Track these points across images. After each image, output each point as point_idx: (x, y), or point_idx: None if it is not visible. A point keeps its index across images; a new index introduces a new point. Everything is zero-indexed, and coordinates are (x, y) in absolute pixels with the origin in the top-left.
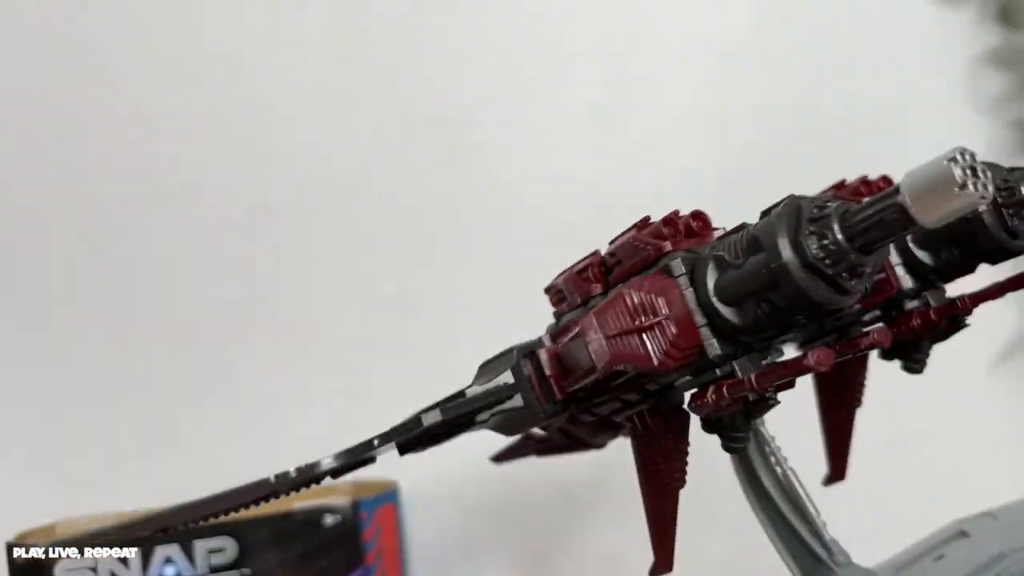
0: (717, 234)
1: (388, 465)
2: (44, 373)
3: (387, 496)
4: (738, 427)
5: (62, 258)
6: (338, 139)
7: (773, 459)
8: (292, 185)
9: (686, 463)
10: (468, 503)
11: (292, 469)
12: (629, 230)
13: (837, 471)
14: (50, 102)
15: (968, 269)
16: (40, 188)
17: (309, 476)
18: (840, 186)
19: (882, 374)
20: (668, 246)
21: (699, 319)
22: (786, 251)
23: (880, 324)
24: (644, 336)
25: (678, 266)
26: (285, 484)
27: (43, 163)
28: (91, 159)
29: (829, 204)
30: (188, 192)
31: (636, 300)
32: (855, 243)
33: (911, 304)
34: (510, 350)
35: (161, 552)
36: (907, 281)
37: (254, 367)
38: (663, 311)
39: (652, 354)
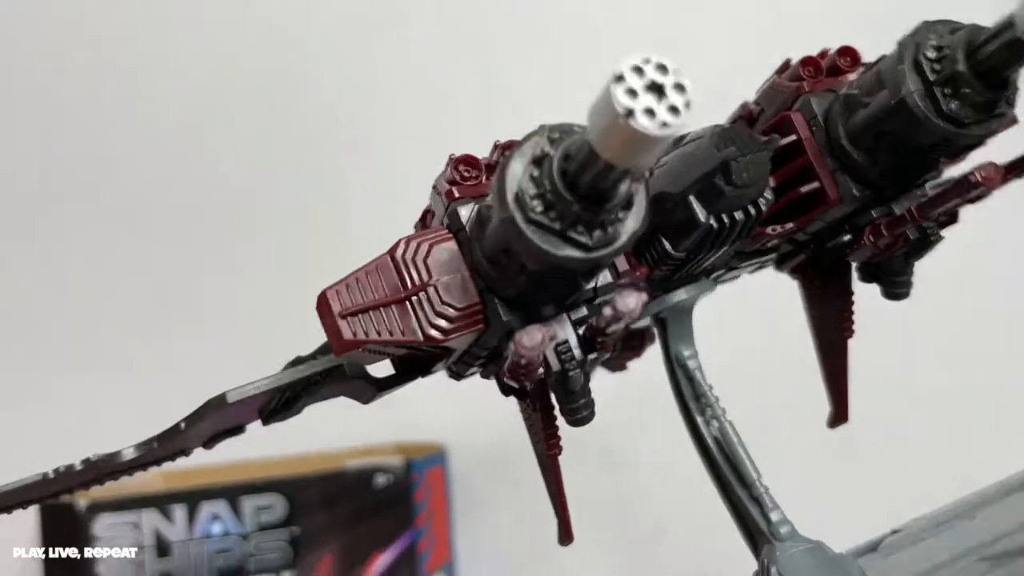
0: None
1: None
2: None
3: (437, 458)
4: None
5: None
6: None
7: (709, 411)
8: None
9: (556, 427)
10: (509, 466)
11: (78, 462)
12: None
13: (840, 411)
14: None
15: (924, 169)
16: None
17: (103, 470)
18: (784, 68)
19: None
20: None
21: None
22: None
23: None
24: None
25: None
26: (66, 480)
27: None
28: None
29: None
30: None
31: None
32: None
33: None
34: None
35: (208, 508)
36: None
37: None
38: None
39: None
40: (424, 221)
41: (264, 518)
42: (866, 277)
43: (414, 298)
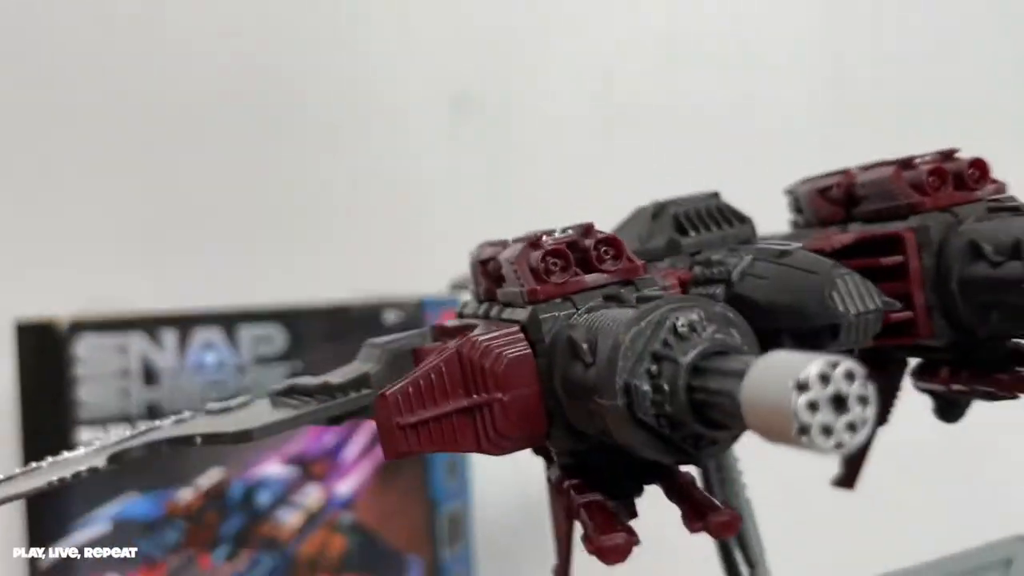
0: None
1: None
2: None
3: (451, 302)
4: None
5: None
6: None
7: (729, 488)
8: None
9: None
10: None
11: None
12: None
13: (849, 477)
14: None
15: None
16: None
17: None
18: (908, 164)
19: None
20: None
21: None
22: None
23: None
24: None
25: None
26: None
27: None
28: None
29: None
30: None
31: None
32: None
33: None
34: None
35: (201, 335)
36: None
37: None
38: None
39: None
40: (485, 270)
41: (263, 349)
42: (922, 389)
43: (478, 411)
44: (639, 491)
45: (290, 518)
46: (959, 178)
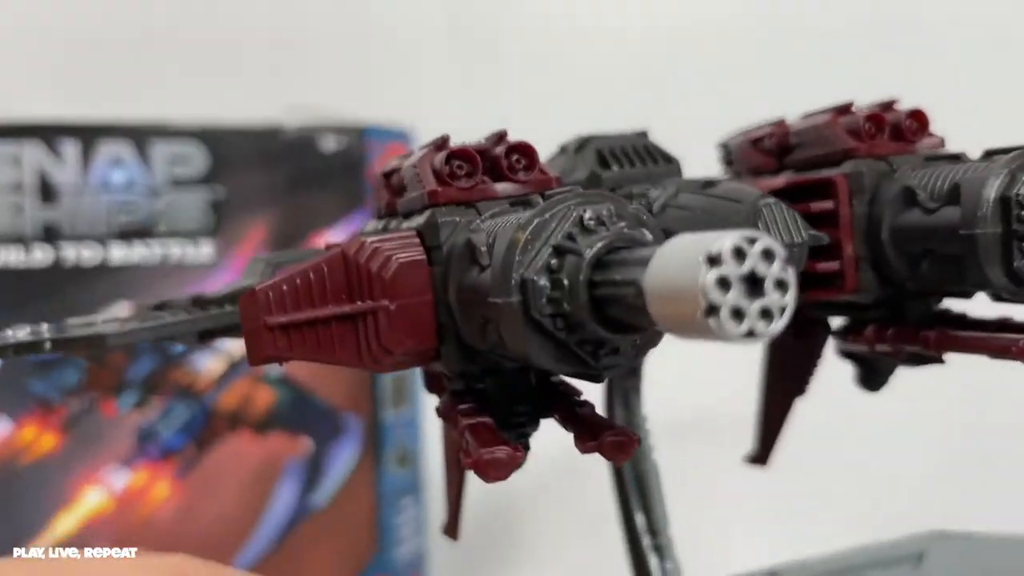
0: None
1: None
2: None
3: (399, 134)
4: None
5: None
6: None
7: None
8: None
9: None
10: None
11: None
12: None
13: (762, 453)
14: None
15: (956, 293)
16: None
17: None
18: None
19: None
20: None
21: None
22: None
23: None
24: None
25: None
26: None
27: None
28: None
29: None
30: None
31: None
32: None
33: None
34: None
35: (108, 149)
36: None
37: None
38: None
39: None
40: (388, 183)
41: (180, 170)
42: (845, 356)
43: (361, 319)
44: (534, 423)
45: (208, 364)
46: (896, 128)
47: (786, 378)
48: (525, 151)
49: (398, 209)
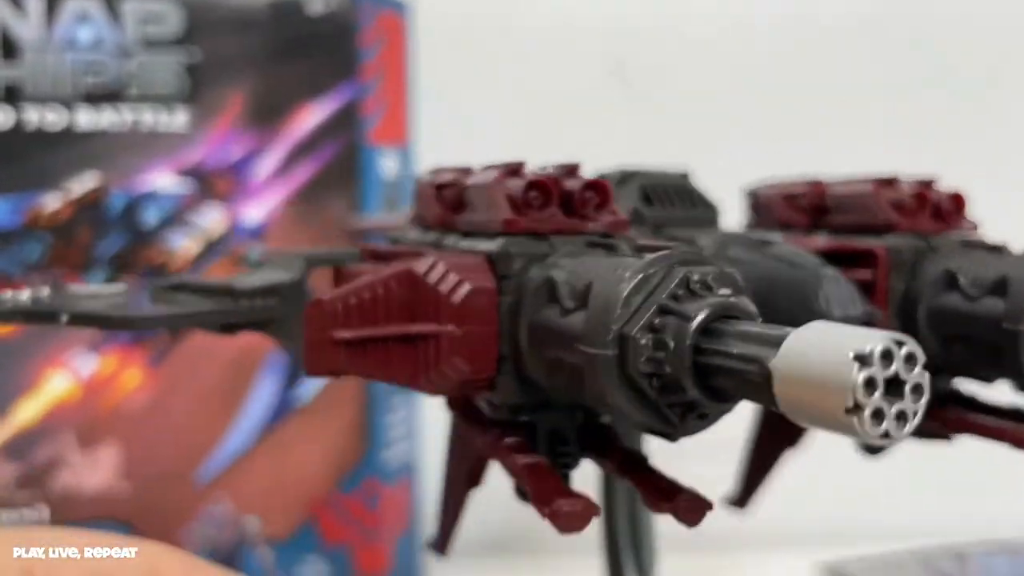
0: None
1: None
2: None
3: (397, 3)
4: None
5: None
6: None
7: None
8: None
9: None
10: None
11: None
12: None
13: (743, 497)
14: None
15: (980, 378)
16: None
17: None
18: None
19: None
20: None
21: None
22: None
23: None
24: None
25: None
26: None
27: None
28: None
29: None
30: None
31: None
32: None
33: None
34: None
35: (74, 4)
36: None
37: None
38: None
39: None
40: (440, 195)
41: (152, 30)
42: None
43: (422, 342)
44: (576, 462)
45: (184, 242)
46: (936, 208)
47: (780, 430)
48: (600, 189)
49: (457, 226)
